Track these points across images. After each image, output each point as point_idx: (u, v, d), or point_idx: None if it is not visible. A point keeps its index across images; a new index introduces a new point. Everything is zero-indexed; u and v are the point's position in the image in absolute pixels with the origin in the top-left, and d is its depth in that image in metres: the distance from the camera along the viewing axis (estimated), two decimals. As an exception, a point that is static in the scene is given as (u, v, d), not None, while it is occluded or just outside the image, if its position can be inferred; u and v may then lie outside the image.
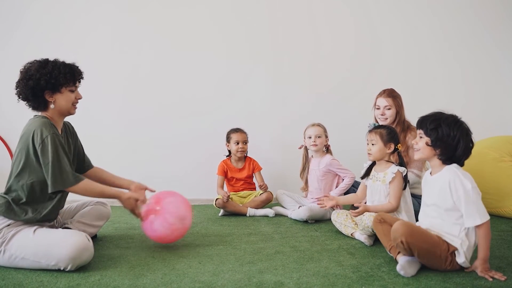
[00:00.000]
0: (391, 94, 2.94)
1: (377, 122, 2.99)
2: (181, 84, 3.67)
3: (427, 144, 1.90)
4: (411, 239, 1.82)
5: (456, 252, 1.85)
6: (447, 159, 1.89)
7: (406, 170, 2.40)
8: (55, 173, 1.97)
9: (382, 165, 2.47)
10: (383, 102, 2.92)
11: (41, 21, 3.58)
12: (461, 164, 1.90)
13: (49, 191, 1.98)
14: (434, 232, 1.89)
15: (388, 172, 2.40)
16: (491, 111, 3.85)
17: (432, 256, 1.84)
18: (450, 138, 1.84)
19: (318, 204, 2.72)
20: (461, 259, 1.84)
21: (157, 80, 3.66)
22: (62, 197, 2.19)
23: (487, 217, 1.81)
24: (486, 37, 3.85)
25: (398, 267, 1.89)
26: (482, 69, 3.86)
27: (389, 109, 2.91)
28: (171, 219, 2.21)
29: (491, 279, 1.77)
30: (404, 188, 2.42)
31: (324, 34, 3.76)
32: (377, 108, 2.96)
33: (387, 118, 2.92)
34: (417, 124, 1.99)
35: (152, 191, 2.50)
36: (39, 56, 2.13)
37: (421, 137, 1.94)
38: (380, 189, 2.42)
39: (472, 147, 1.87)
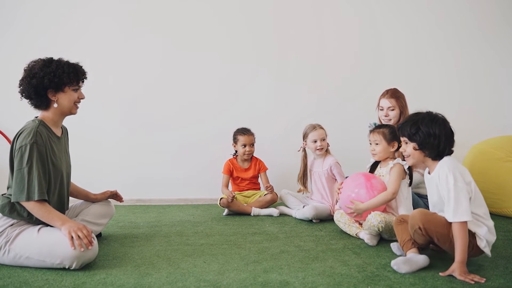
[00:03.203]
0: (394, 94, 2.92)
1: (381, 123, 2.98)
2: (185, 86, 3.67)
3: (414, 148, 1.95)
4: (429, 224, 1.86)
5: (476, 235, 1.87)
6: (436, 155, 1.93)
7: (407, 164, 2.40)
8: (22, 184, 1.94)
9: (386, 162, 2.50)
10: (386, 103, 2.91)
11: (38, 19, 3.58)
12: (449, 153, 1.93)
13: (12, 200, 1.97)
14: None
15: (390, 164, 2.44)
16: (496, 111, 3.83)
17: (449, 240, 1.86)
18: (432, 137, 1.89)
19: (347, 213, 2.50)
20: (482, 242, 1.87)
21: (161, 83, 3.66)
22: (65, 199, 2.20)
23: (463, 218, 1.79)
24: (491, 36, 3.83)
25: (392, 262, 1.92)
26: (488, 69, 3.84)
27: (392, 110, 2.89)
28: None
29: (473, 282, 1.74)
30: (410, 184, 2.43)
31: (328, 35, 3.75)
32: (381, 109, 2.95)
33: (390, 119, 2.90)
34: (398, 132, 2.03)
35: (120, 198, 2.58)
36: (36, 55, 2.14)
37: (406, 143, 1.98)
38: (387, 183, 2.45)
39: (452, 135, 1.92)
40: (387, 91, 2.95)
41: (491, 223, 1.92)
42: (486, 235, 1.89)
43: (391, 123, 2.89)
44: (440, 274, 1.83)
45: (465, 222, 1.80)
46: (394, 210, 2.44)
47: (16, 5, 3.56)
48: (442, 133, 1.88)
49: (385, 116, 2.92)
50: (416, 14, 3.79)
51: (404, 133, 1.97)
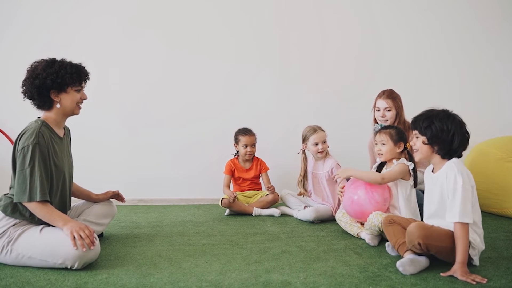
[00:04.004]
0: (391, 95, 2.91)
1: (377, 123, 2.96)
2: (186, 87, 3.67)
3: (423, 143, 1.94)
4: (428, 240, 1.84)
5: (470, 244, 1.86)
6: (445, 154, 1.91)
7: (413, 164, 2.41)
8: (24, 184, 1.95)
9: (392, 162, 2.50)
10: (383, 104, 2.90)
11: (39, 19, 3.58)
12: (459, 155, 1.92)
13: (14, 201, 1.97)
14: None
15: (394, 163, 2.45)
16: (498, 111, 3.83)
17: (450, 251, 1.85)
18: (445, 133, 1.87)
19: (333, 177, 2.63)
20: (474, 251, 1.88)
21: (163, 84, 3.67)
22: (67, 199, 2.21)
23: (467, 220, 1.80)
24: (493, 36, 3.83)
25: (398, 263, 1.90)
26: (489, 69, 3.83)
27: (389, 110, 2.89)
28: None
29: (474, 283, 1.74)
30: (415, 186, 2.44)
31: (331, 37, 3.75)
32: (377, 110, 2.94)
33: (387, 120, 2.89)
34: (411, 125, 2.02)
35: (122, 199, 2.58)
36: (39, 56, 2.15)
37: (417, 137, 1.97)
38: (391, 184, 2.45)
39: (468, 138, 1.90)
40: (383, 92, 2.95)
41: (482, 231, 1.93)
42: (478, 244, 1.90)
43: (387, 123, 2.88)
44: (441, 274, 1.83)
45: (468, 224, 1.80)
46: (398, 210, 2.44)
47: (16, 5, 3.55)
48: (458, 131, 1.87)
49: (382, 116, 2.91)
50: (416, 15, 3.79)
51: (416, 126, 1.96)
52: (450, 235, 1.85)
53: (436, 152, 1.93)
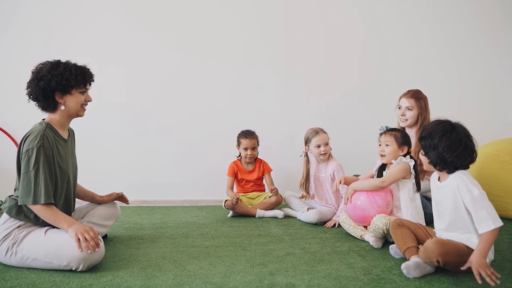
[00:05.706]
0: (415, 95, 2.86)
1: (399, 124, 2.93)
2: (191, 90, 3.67)
3: (421, 154, 1.95)
4: (447, 257, 1.81)
5: None
6: (440, 166, 1.88)
7: (414, 161, 2.41)
8: (28, 187, 1.95)
9: (391, 163, 2.49)
10: (405, 102, 2.86)
11: (40, 20, 3.57)
12: (465, 168, 1.88)
13: (18, 203, 1.98)
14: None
15: (394, 162, 2.45)
16: (502, 113, 3.82)
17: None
18: (431, 147, 1.87)
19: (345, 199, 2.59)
20: (485, 261, 1.83)
21: (167, 88, 3.67)
22: (71, 201, 2.22)
23: (500, 223, 1.75)
24: (493, 37, 3.83)
25: (402, 265, 1.90)
26: (491, 71, 3.83)
27: (410, 110, 2.83)
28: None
29: (488, 278, 1.62)
30: (418, 189, 2.42)
31: (335, 41, 3.75)
32: (399, 108, 2.91)
33: (407, 119, 2.85)
34: None
35: (126, 200, 2.57)
36: (45, 58, 2.16)
37: (421, 149, 1.99)
38: (393, 186, 2.46)
39: (458, 148, 1.83)
40: (408, 91, 2.89)
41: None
42: (489, 255, 1.86)
43: (407, 123, 2.84)
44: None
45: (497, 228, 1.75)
46: (401, 212, 2.44)
47: (16, 5, 3.54)
48: (441, 144, 1.83)
49: (402, 115, 2.86)
50: (419, 20, 3.78)
51: (418, 138, 1.99)
52: (467, 251, 1.82)
53: (431, 163, 1.91)
